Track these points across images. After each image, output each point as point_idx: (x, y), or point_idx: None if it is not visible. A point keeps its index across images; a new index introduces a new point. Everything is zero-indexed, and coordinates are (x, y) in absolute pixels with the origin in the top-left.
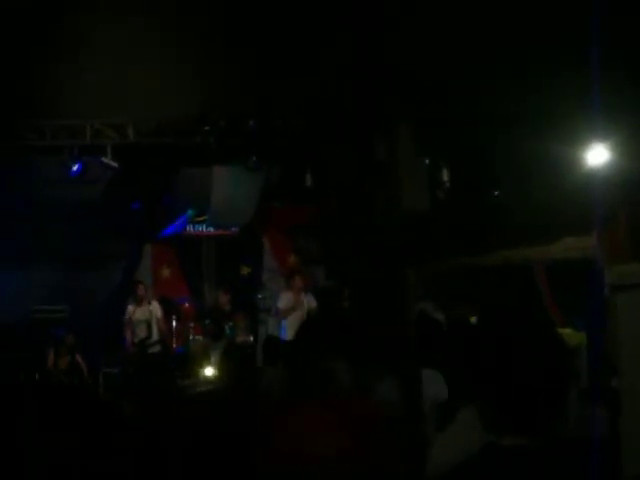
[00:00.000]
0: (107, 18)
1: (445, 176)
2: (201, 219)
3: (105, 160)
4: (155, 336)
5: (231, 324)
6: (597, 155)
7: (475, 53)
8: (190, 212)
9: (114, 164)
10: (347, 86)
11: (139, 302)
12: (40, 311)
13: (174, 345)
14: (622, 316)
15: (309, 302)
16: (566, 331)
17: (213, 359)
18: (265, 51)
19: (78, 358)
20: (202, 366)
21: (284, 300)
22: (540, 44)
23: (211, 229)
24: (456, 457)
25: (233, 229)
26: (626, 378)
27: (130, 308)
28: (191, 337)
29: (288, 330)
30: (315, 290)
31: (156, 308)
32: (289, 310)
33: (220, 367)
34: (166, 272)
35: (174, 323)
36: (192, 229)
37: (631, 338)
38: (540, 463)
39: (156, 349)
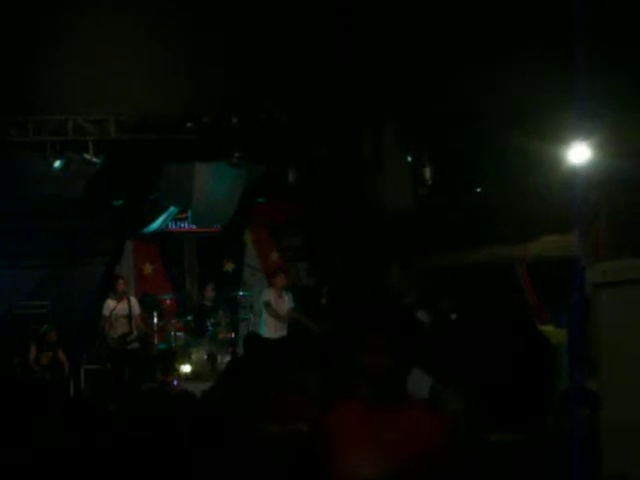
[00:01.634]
0: (90, 15)
1: (428, 174)
2: (183, 216)
3: (87, 156)
4: (135, 332)
5: (213, 321)
6: (579, 154)
7: (459, 53)
8: (172, 209)
9: (96, 160)
10: (333, 84)
11: (119, 298)
12: (22, 307)
13: (155, 341)
14: (603, 314)
15: (288, 301)
16: (548, 328)
17: (194, 356)
18: (250, 49)
19: (60, 354)
20: (183, 363)
21: (268, 296)
22: (523, 43)
23: (193, 226)
24: None
25: (216, 226)
26: (606, 376)
27: (110, 303)
28: (172, 333)
29: (266, 328)
30: (294, 289)
31: (134, 304)
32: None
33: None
34: (148, 269)
35: (155, 319)
36: (174, 226)
37: (611, 336)
38: (525, 459)
39: (135, 345)
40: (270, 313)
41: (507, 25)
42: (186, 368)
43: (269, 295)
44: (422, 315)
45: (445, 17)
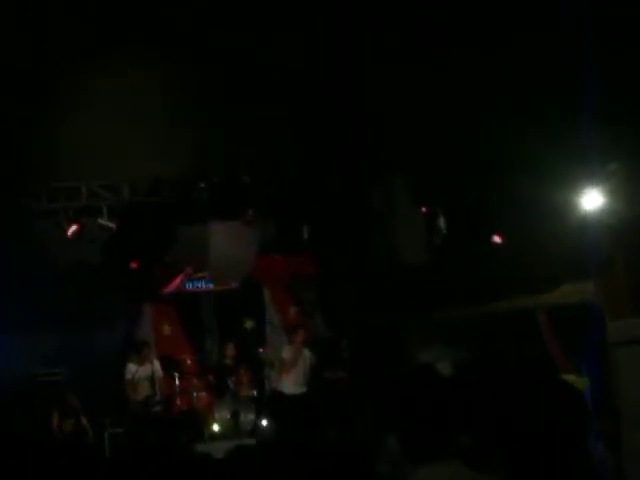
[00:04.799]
0: (100, 80)
1: (442, 223)
2: (200, 275)
3: (102, 221)
4: (158, 395)
5: (234, 379)
6: (592, 200)
7: (470, 101)
8: (189, 269)
9: (111, 225)
10: (342, 137)
11: (142, 361)
12: (43, 374)
13: (178, 402)
14: (620, 373)
15: (310, 357)
16: (570, 377)
17: (217, 415)
18: (257, 107)
19: (83, 420)
20: (208, 422)
21: (287, 354)
22: (536, 91)
23: (211, 285)
24: None
25: (233, 283)
26: (626, 440)
27: (132, 367)
28: (195, 394)
29: (287, 385)
30: (313, 343)
31: (157, 367)
32: (292, 364)
33: None
34: (167, 330)
35: (177, 380)
36: (191, 286)
37: (630, 395)
38: None
39: (158, 408)
40: (289, 371)
41: (520, 73)
42: (214, 427)
43: (288, 353)
44: (443, 368)
45: (457, 65)
